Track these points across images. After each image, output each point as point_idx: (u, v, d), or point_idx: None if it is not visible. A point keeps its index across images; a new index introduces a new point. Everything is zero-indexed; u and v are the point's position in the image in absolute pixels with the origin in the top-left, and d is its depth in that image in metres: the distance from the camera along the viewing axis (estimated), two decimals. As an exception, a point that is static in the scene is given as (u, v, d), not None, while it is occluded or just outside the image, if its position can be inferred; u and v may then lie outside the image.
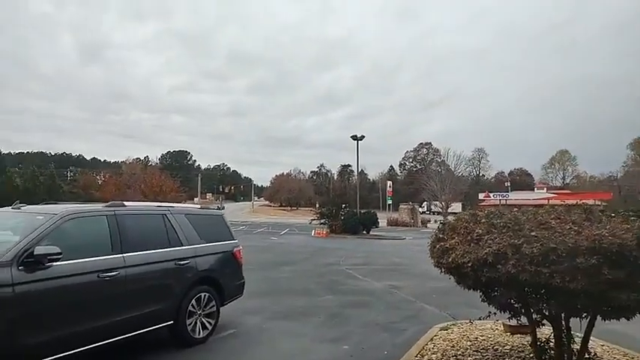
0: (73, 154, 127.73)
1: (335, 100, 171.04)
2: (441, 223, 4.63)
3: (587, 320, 3.60)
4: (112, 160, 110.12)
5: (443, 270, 4.01)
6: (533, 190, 72.40)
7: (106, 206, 5.04)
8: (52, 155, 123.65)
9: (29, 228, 4.18)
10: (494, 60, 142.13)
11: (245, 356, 5.26)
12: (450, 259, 3.76)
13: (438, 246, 4.14)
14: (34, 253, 3.85)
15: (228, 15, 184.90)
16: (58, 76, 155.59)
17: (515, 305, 3.82)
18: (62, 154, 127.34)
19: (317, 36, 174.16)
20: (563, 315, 3.69)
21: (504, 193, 58.46)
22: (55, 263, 4.00)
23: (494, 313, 4.15)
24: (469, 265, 3.50)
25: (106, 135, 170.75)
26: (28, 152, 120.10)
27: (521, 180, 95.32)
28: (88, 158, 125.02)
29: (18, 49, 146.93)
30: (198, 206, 6.89)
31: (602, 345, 5.32)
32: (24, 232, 4.12)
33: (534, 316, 3.94)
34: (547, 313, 3.78)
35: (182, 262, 5.41)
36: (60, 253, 4.00)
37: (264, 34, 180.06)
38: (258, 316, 7.08)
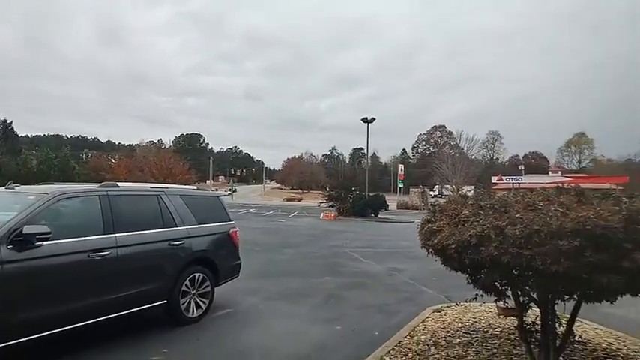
0: (89, 137, 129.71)
1: (351, 82, 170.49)
2: (431, 205, 4.57)
3: (574, 303, 3.54)
4: (127, 143, 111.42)
5: (430, 251, 3.96)
6: (548, 173, 71.20)
7: (99, 187, 5.08)
8: (67, 138, 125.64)
9: (20, 208, 4.23)
10: (513, 43, 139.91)
11: (237, 335, 5.31)
12: (436, 241, 3.71)
13: (426, 227, 4.09)
14: (23, 232, 3.89)
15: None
16: (76, 59, 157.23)
17: (500, 287, 3.77)
18: (78, 136, 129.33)
19: (335, 17, 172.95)
20: (549, 297, 3.63)
21: (518, 177, 57.58)
22: (44, 242, 4.05)
23: (482, 295, 4.11)
24: (453, 246, 3.45)
25: (122, 118, 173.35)
26: (44, 135, 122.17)
27: (536, 163, 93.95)
28: (103, 141, 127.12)
29: (37, 32, 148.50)
30: (194, 187, 6.91)
31: (596, 328, 5.26)
32: (15, 212, 4.16)
33: (521, 298, 3.88)
34: (534, 296, 3.73)
35: (176, 243, 5.45)
36: (49, 233, 4.05)
37: (281, 15, 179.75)
38: (256, 297, 7.14)
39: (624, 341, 4.82)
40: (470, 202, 3.90)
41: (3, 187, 5.26)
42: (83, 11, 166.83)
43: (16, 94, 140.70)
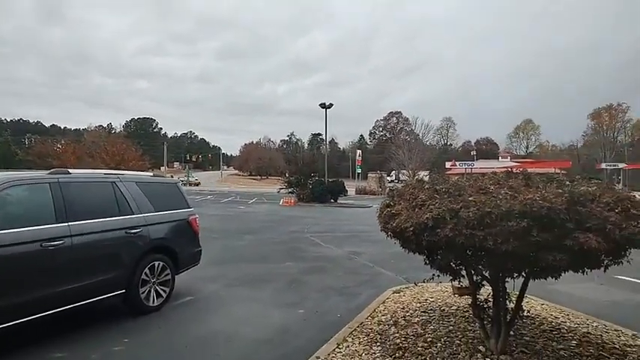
0: (31, 121, 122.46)
1: (308, 67, 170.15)
2: (389, 189, 4.70)
3: (522, 280, 3.78)
4: (74, 128, 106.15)
5: (389, 234, 4.08)
6: (498, 158, 74.37)
7: (49, 173, 4.85)
8: (7, 122, 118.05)
9: (-38, 196, 3.99)
10: (468, 29, 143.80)
11: (199, 322, 5.28)
12: (395, 224, 3.83)
13: (385, 211, 4.20)
14: (-32, 222, 3.69)
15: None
16: (15, 37, 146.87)
17: (455, 267, 3.95)
18: (19, 120, 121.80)
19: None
20: (500, 276, 3.85)
21: (470, 162, 59.85)
22: (-8, 232, 3.86)
23: (438, 276, 4.29)
24: (411, 229, 3.57)
25: (68, 101, 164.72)
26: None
27: (487, 149, 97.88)
28: (47, 125, 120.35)
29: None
30: (150, 174, 6.74)
31: (543, 304, 5.63)
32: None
33: (475, 277, 4.09)
34: (486, 275, 3.94)
35: (133, 231, 5.32)
36: (-4, 222, 3.87)
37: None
38: (218, 284, 7.11)
39: (568, 315, 5.20)
40: (426, 187, 4.04)
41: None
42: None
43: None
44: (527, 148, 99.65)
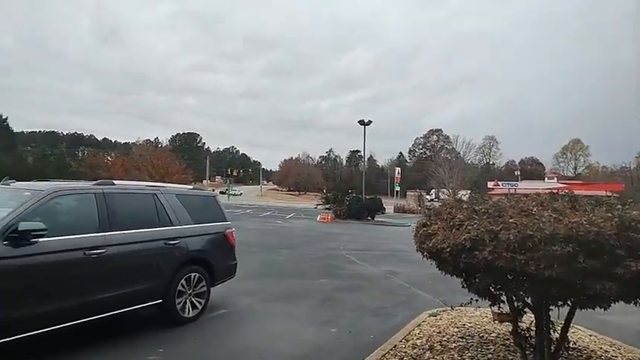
0: (85, 134, 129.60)
1: (351, 84, 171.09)
2: (426, 208, 4.59)
3: (568, 309, 3.56)
4: (123, 141, 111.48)
5: (425, 254, 3.98)
6: (544, 179, 71.43)
7: (95, 184, 5.08)
8: (63, 135, 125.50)
9: (16, 204, 4.22)
10: (512, 46, 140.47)
11: (233, 336, 5.31)
12: (431, 244, 3.73)
13: (421, 231, 4.10)
14: (19, 228, 3.89)
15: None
16: (74, 56, 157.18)
17: (494, 292, 3.78)
18: (74, 133, 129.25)
19: (334, 18, 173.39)
20: (544, 303, 3.65)
21: (514, 182, 57.79)
22: (40, 239, 4.04)
23: (477, 300, 4.12)
24: (448, 250, 3.47)
25: (120, 115, 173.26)
26: (39, 131, 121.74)
27: (532, 169, 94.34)
28: (99, 138, 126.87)
29: (36, 29, 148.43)
30: (190, 187, 6.90)
31: (591, 335, 5.28)
32: (10, 208, 4.15)
33: (516, 304, 3.91)
34: (528, 301, 3.75)
35: (171, 242, 5.45)
36: (45, 230, 4.05)
37: (281, 15, 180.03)
38: (252, 298, 7.13)
39: (619, 349, 4.84)
40: (465, 207, 3.92)
41: (-1, 184, 5.25)
42: (82, 8, 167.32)
43: (11, 90, 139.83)
44: (575, 169, 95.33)
